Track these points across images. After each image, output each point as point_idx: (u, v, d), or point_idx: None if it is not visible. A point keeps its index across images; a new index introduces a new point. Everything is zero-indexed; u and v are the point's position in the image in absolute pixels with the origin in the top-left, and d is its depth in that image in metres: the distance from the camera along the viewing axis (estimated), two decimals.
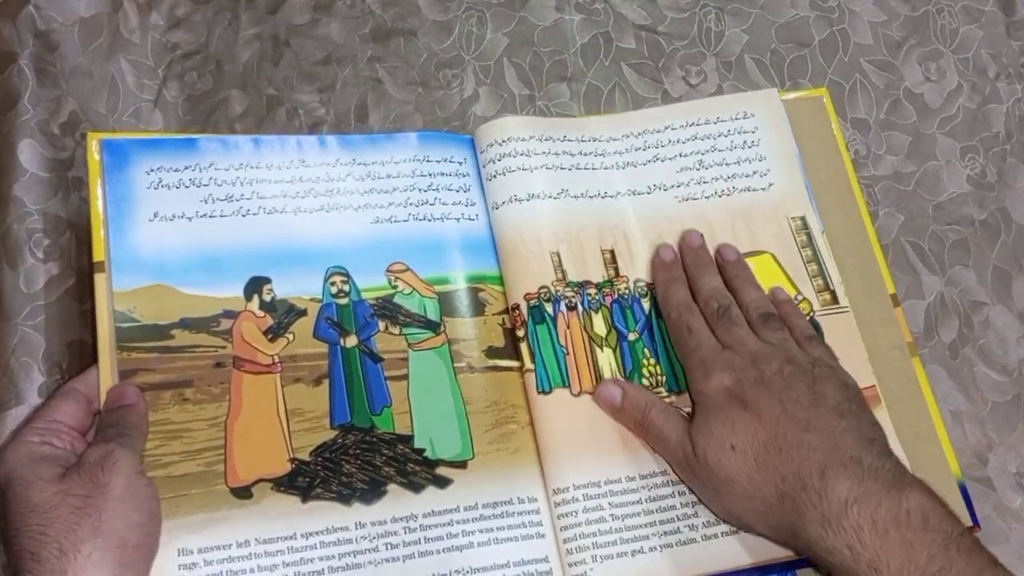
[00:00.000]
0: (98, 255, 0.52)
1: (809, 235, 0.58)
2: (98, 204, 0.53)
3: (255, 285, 0.53)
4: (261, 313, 0.53)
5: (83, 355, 0.54)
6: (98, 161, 0.54)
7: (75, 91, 0.60)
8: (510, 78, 0.64)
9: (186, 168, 0.55)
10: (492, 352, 0.54)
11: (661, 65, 0.65)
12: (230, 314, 0.52)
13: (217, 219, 0.54)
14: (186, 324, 0.51)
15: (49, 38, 0.60)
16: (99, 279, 0.51)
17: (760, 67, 0.66)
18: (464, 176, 0.58)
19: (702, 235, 0.57)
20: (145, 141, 0.55)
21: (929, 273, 0.61)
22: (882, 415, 0.53)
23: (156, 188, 0.54)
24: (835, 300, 0.57)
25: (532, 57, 0.65)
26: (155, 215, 0.53)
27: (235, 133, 0.61)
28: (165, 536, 0.46)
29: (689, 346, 0.52)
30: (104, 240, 0.52)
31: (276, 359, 0.52)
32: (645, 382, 0.54)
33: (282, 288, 0.53)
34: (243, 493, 0.49)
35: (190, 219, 0.53)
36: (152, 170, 0.54)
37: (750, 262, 0.57)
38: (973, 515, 0.52)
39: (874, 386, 0.54)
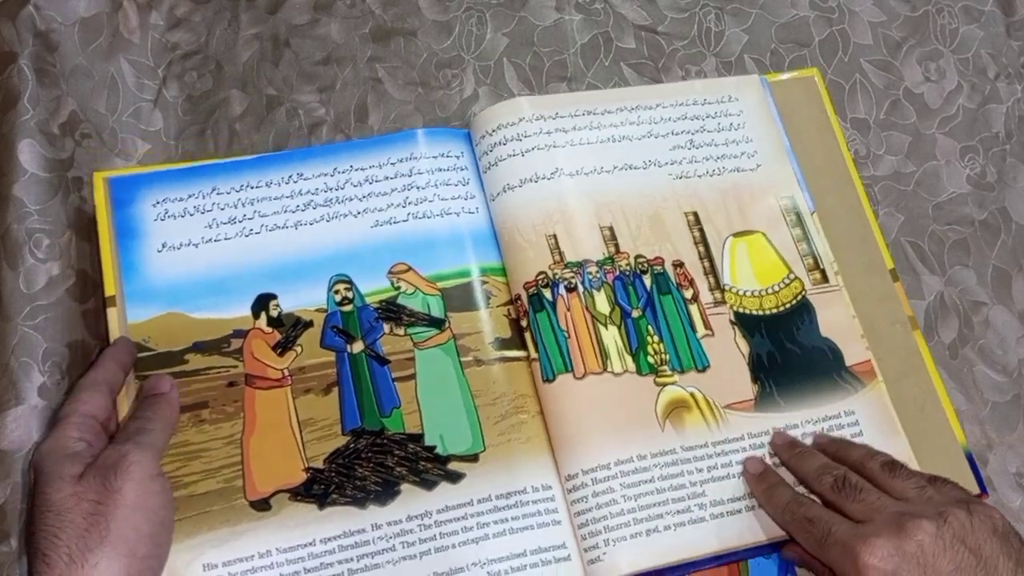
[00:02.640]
0: (109, 290, 0.53)
1: (798, 215, 0.59)
2: (106, 240, 0.54)
3: (262, 302, 0.54)
4: (269, 329, 0.54)
5: (83, 355, 0.54)
6: (104, 198, 0.55)
7: (75, 91, 0.60)
8: (510, 78, 0.64)
9: (190, 196, 0.56)
10: (499, 344, 0.55)
11: (661, 65, 0.65)
12: (240, 333, 0.53)
13: (222, 242, 0.55)
14: (199, 348, 0.52)
15: (49, 38, 0.60)
16: (112, 313, 0.53)
17: (760, 67, 0.66)
18: (462, 170, 0.59)
19: (786, 433, 0.53)
20: (150, 175, 0.57)
21: (929, 273, 0.61)
22: (879, 390, 0.54)
23: (163, 219, 0.55)
24: (825, 279, 0.57)
25: (532, 57, 0.65)
26: (163, 246, 0.54)
27: (235, 133, 0.61)
28: (189, 553, 0.48)
29: (817, 537, 0.45)
30: (114, 275, 0.54)
31: (286, 372, 0.53)
32: (650, 359, 0.54)
33: (288, 302, 0.54)
34: (262, 505, 0.50)
35: (196, 246, 0.55)
36: (158, 202, 0.56)
37: (742, 242, 0.57)
38: (980, 482, 0.53)
39: (869, 360, 0.55)
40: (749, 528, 0.50)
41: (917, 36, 0.67)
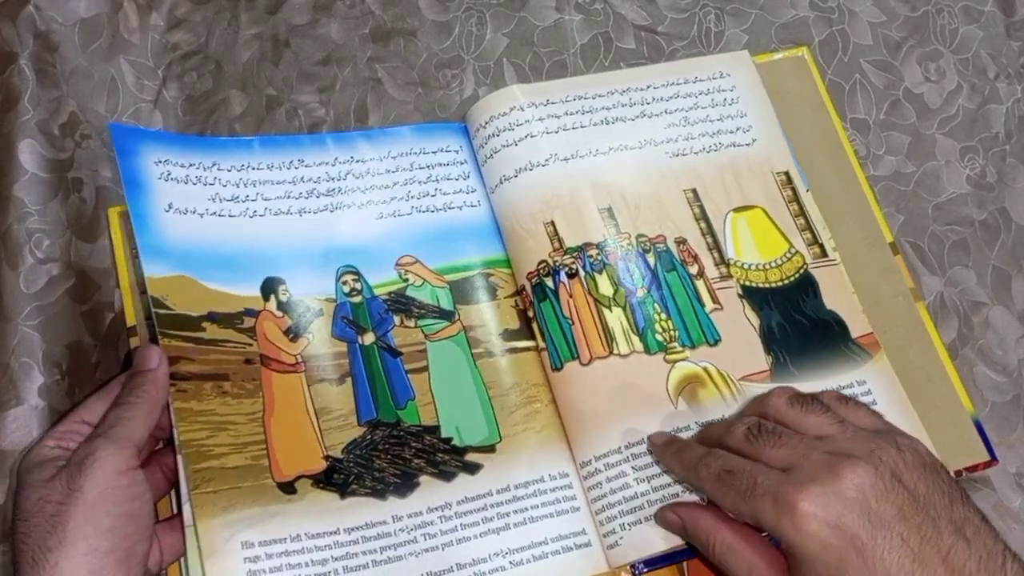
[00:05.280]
0: (131, 319, 0.53)
1: (794, 189, 0.59)
2: (126, 272, 0.53)
3: (271, 285, 0.53)
4: (279, 313, 0.53)
5: (82, 355, 0.54)
6: (121, 232, 0.54)
7: (75, 91, 0.60)
8: (510, 78, 0.64)
9: (191, 165, 0.54)
10: (508, 335, 0.55)
11: None
12: (251, 312, 0.52)
13: (226, 218, 0.54)
14: (213, 318, 0.51)
15: (49, 38, 0.60)
16: (134, 343, 0.52)
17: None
18: (462, 164, 0.59)
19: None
20: (151, 132, 0.55)
21: (929, 273, 0.61)
22: (883, 362, 0.55)
23: (166, 180, 0.53)
24: (824, 253, 0.57)
25: (532, 57, 0.65)
26: (169, 206, 0.53)
27: (235, 133, 0.61)
28: (228, 529, 0.46)
29: (741, 489, 0.41)
30: (135, 306, 0.52)
31: (299, 359, 0.52)
32: (659, 337, 0.54)
33: (296, 288, 0.54)
34: (288, 488, 0.49)
35: (201, 215, 0.53)
36: (160, 161, 0.54)
37: (743, 216, 0.58)
38: (990, 449, 0.54)
39: (872, 333, 0.55)
40: None
41: (917, 36, 0.67)
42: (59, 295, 0.54)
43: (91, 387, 0.54)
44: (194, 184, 0.54)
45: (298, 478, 0.49)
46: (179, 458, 0.47)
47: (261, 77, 0.63)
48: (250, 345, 0.51)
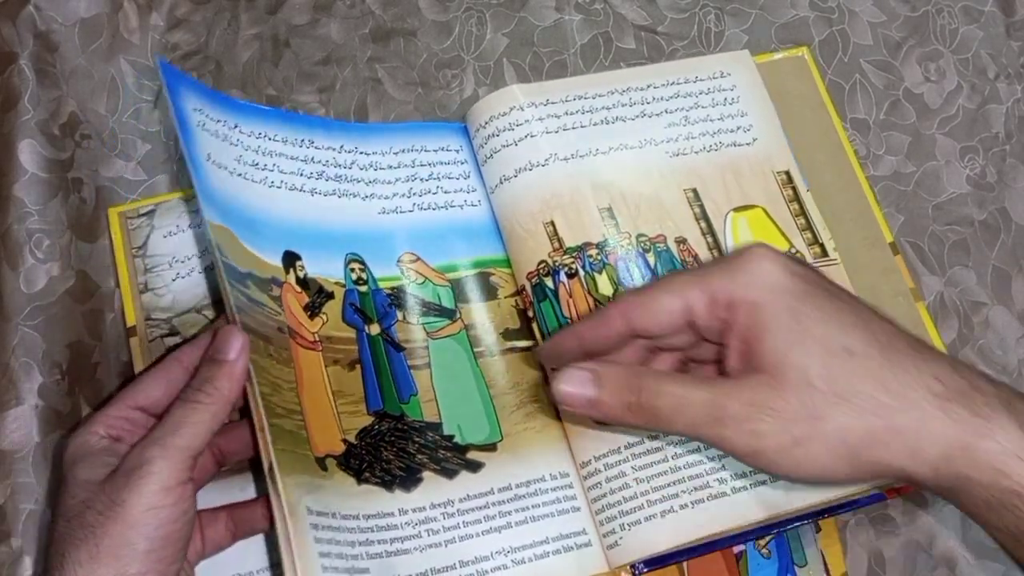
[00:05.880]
0: (131, 319, 0.52)
1: (795, 189, 0.59)
2: (126, 272, 0.53)
3: (289, 259, 0.53)
4: (299, 288, 0.52)
5: (82, 355, 0.54)
6: (122, 234, 0.53)
7: (75, 91, 0.60)
8: (510, 78, 0.64)
9: (219, 121, 0.53)
10: (509, 334, 0.55)
11: None
12: (278, 281, 0.51)
13: (250, 183, 0.53)
14: (253, 278, 0.50)
15: (49, 38, 0.60)
16: (134, 343, 0.52)
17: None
18: (462, 164, 0.58)
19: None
20: (189, 78, 0.54)
21: (929, 273, 0.61)
22: None
23: (202, 129, 0.51)
24: (825, 253, 0.57)
25: (532, 57, 0.65)
26: (208, 156, 0.51)
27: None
28: (298, 490, 0.44)
29: (681, 278, 0.40)
30: (135, 306, 0.52)
31: (317, 337, 0.52)
32: None
33: (310, 267, 0.53)
34: (323, 465, 0.48)
35: (231, 173, 0.52)
36: (197, 109, 0.52)
37: (743, 216, 0.58)
38: None
39: None
40: (772, 499, 0.49)
41: (917, 36, 0.67)
42: (59, 295, 0.54)
43: (91, 387, 0.54)
44: (222, 141, 0.52)
45: (327, 456, 0.49)
46: (259, 410, 0.44)
47: (261, 77, 0.63)
48: (279, 315, 0.50)
